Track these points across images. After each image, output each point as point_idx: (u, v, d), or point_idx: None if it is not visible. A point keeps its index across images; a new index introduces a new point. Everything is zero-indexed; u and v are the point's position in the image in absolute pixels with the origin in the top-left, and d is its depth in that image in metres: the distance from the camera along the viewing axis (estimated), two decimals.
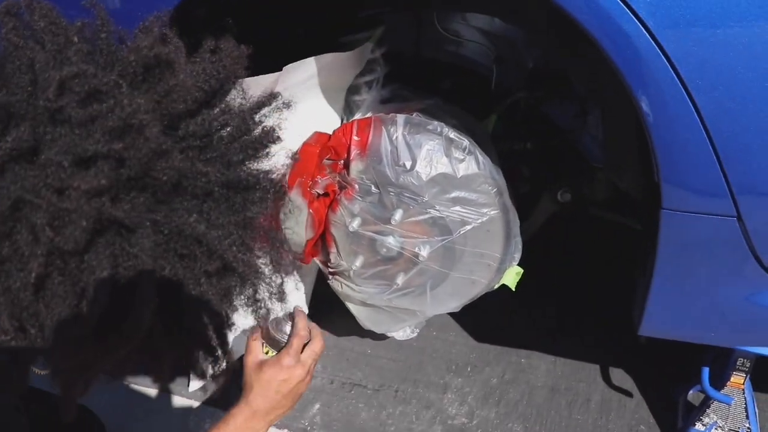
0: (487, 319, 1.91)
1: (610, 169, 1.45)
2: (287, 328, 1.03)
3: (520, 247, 1.45)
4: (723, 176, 1.06)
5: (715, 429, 1.50)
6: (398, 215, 1.37)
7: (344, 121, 1.53)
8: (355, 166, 1.39)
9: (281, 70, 1.23)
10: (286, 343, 1.01)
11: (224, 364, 0.82)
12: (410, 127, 1.35)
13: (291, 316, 1.05)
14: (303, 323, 1.04)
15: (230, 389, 1.40)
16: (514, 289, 1.49)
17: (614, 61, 1.04)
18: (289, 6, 1.35)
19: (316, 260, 1.55)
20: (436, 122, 1.35)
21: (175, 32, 0.72)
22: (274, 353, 1.01)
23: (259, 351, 1.02)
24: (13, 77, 0.60)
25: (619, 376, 1.75)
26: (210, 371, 0.81)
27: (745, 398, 1.50)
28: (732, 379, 1.47)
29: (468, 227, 1.37)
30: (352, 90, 1.57)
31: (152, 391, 1.76)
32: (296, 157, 1.40)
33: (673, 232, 1.15)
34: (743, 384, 1.47)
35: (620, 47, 1.03)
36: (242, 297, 0.73)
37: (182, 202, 0.64)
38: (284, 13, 1.37)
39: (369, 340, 1.89)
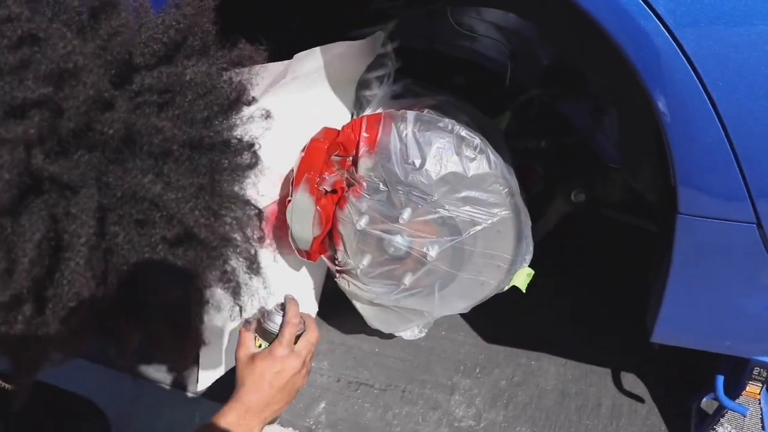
0: (497, 320, 1.88)
1: (626, 169, 1.41)
2: (278, 319, 0.98)
3: (531, 248, 1.42)
4: (743, 181, 1.02)
5: None
6: (407, 214, 1.34)
7: (354, 117, 1.51)
8: (364, 163, 1.36)
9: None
10: (278, 334, 0.97)
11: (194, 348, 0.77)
12: (420, 124, 1.32)
13: (282, 306, 1.01)
14: (294, 311, 0.99)
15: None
16: (524, 291, 1.46)
17: (631, 59, 1.00)
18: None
19: (324, 258, 1.53)
20: (447, 120, 1.32)
21: None
22: (267, 345, 0.97)
23: (250, 344, 0.97)
24: None
25: (630, 381, 1.71)
26: (181, 357, 0.76)
27: (761, 409, 1.46)
28: (747, 388, 1.43)
29: (478, 228, 1.34)
30: (363, 85, 1.55)
31: (158, 385, 1.75)
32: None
33: (690, 237, 1.11)
34: (759, 394, 1.43)
35: (638, 46, 0.99)
36: (213, 271, 0.67)
37: (136, 162, 0.58)
38: (276, 7, 1.34)
39: (377, 339, 1.87)
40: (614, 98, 1.40)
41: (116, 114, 0.56)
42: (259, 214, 0.77)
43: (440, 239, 1.36)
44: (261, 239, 0.79)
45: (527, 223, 1.38)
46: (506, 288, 1.47)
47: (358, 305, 1.59)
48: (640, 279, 1.45)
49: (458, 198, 1.32)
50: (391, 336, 1.79)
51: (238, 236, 0.70)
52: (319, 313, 1.91)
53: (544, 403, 1.67)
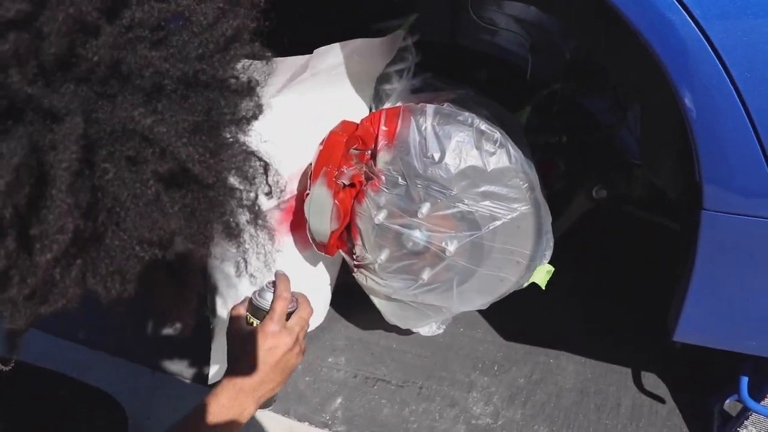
0: (516, 317, 1.86)
1: (648, 165, 1.39)
2: (269, 296, 0.95)
3: (551, 244, 1.40)
4: None
5: None
6: (425, 208, 1.33)
7: (373, 111, 1.50)
8: (382, 157, 1.35)
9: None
10: (269, 310, 0.94)
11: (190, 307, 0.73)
12: (440, 117, 1.31)
13: (274, 284, 0.98)
14: (285, 286, 0.96)
15: None
16: (544, 288, 1.44)
17: (656, 52, 0.98)
18: None
19: (342, 252, 1.52)
20: (467, 113, 1.31)
21: None
22: (259, 323, 0.94)
23: (241, 322, 0.94)
24: None
25: (651, 381, 1.68)
26: (180, 308, 0.71)
27: None
28: None
29: (497, 223, 1.33)
30: (383, 79, 1.54)
31: (176, 379, 1.75)
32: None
33: (714, 234, 1.09)
34: None
35: (663, 38, 0.97)
36: (212, 217, 0.64)
37: (126, 97, 0.55)
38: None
39: (394, 335, 1.86)
40: (637, 93, 1.38)
41: (102, 40, 0.53)
42: (266, 167, 0.73)
43: (459, 234, 1.34)
44: (269, 194, 0.76)
45: (547, 219, 1.36)
46: (525, 284, 1.45)
47: (375, 300, 1.59)
48: (662, 277, 1.43)
49: (478, 192, 1.31)
50: (409, 332, 1.78)
51: (240, 185, 0.67)
52: (337, 309, 1.92)
53: (562, 402, 1.65)
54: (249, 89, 0.66)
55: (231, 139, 0.64)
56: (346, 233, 1.48)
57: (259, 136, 0.72)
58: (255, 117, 0.67)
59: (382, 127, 1.35)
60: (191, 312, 0.71)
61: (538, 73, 1.53)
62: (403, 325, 1.58)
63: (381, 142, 1.35)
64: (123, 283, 0.60)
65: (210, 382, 1.70)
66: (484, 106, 1.42)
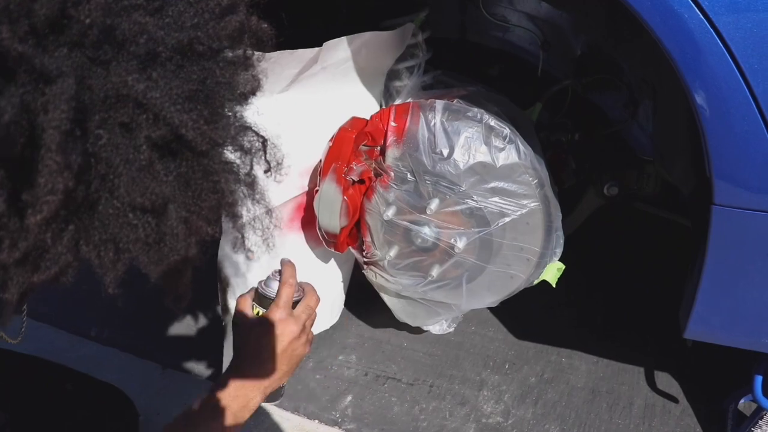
0: (527, 315, 1.86)
1: (661, 161, 1.38)
2: (275, 285, 0.94)
3: (561, 241, 1.39)
4: None
5: None
6: (434, 205, 1.33)
7: (383, 107, 1.50)
8: (391, 153, 1.35)
9: None
10: (275, 298, 0.92)
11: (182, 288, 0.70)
12: (449, 113, 1.31)
13: (279, 272, 0.97)
14: (290, 272, 0.95)
15: None
16: (554, 286, 1.43)
17: (665, 46, 0.98)
18: None
19: (352, 249, 1.52)
20: (476, 109, 1.31)
21: None
22: (265, 312, 0.93)
23: (248, 311, 0.93)
24: None
25: (664, 380, 1.67)
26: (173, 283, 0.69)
27: None
28: None
29: (507, 219, 1.32)
30: (393, 75, 1.54)
31: (187, 376, 1.76)
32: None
33: (725, 229, 1.08)
34: None
35: (672, 31, 0.96)
36: (207, 188, 0.62)
37: (120, 63, 0.55)
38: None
39: (406, 333, 1.86)
40: (649, 88, 1.37)
41: (94, 2, 0.53)
42: (264, 142, 0.73)
43: (468, 231, 1.34)
44: (267, 171, 0.75)
45: (557, 216, 1.36)
46: (536, 282, 1.44)
47: (385, 297, 1.59)
48: (675, 274, 1.42)
49: (487, 189, 1.31)
50: (420, 331, 1.78)
51: (237, 158, 0.67)
52: (348, 307, 1.92)
53: (574, 401, 1.64)
54: (246, 60, 0.65)
55: (227, 110, 0.63)
56: (356, 231, 1.48)
57: (256, 110, 0.72)
58: (253, 91, 0.66)
59: (392, 123, 1.35)
60: (186, 285, 0.70)
61: (549, 70, 1.53)
62: (412, 323, 1.58)
63: (390, 138, 1.35)
64: (117, 252, 0.59)
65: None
66: (495, 103, 1.41)
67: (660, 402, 1.62)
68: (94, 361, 1.81)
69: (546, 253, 1.38)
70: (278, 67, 1.26)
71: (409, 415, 1.63)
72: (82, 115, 0.53)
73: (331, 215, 1.40)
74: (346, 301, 1.90)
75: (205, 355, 1.77)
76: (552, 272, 1.43)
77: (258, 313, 0.94)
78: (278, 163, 0.76)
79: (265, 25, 0.68)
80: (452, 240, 1.35)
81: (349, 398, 1.69)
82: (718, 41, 0.95)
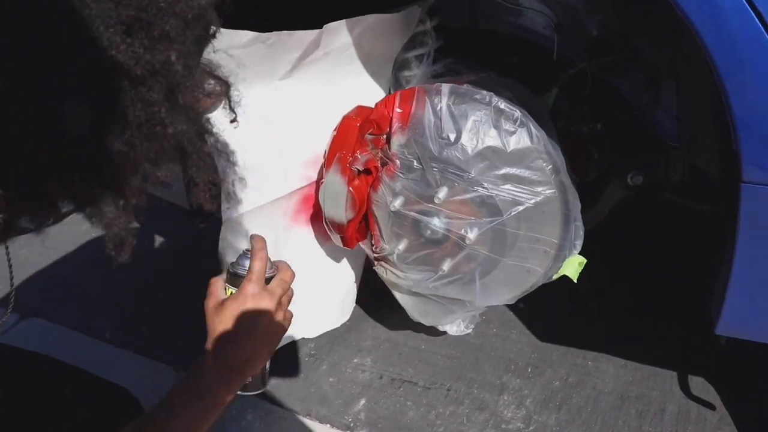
0: (551, 316, 1.76)
1: (686, 145, 1.29)
2: (247, 262, 0.87)
3: (581, 233, 1.31)
4: None
5: None
6: (442, 193, 1.26)
7: None
8: (396, 140, 1.29)
9: None
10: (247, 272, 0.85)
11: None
12: (456, 97, 1.24)
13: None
14: (261, 244, 0.88)
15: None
16: (575, 281, 1.35)
17: (689, 18, 0.90)
18: None
19: (362, 245, 1.46)
20: (484, 92, 1.24)
21: None
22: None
23: (219, 292, 0.87)
24: None
25: (699, 385, 1.55)
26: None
27: None
28: None
29: (520, 208, 1.25)
30: (402, 65, 1.48)
31: None
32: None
33: (756, 208, 0.99)
34: None
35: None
36: (146, 121, 0.58)
37: None
38: None
39: (423, 335, 1.78)
40: (672, 68, 1.28)
41: None
42: (228, 88, 0.68)
43: (479, 221, 1.27)
44: (233, 120, 0.72)
45: (576, 204, 1.27)
46: (555, 277, 1.36)
47: (397, 295, 1.52)
48: (708, 268, 1.31)
49: (498, 175, 1.23)
50: (438, 333, 1.70)
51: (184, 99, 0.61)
52: (365, 308, 1.85)
53: (600, 407, 1.54)
54: None
55: (172, 36, 0.58)
56: (365, 225, 1.42)
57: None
58: (203, 15, 0.61)
59: (397, 110, 1.29)
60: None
61: (565, 54, 1.45)
62: (426, 322, 1.51)
63: (395, 125, 1.29)
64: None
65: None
66: (508, 88, 1.35)
67: (695, 408, 1.50)
68: (108, 362, 1.78)
69: (564, 245, 1.30)
70: (277, 51, 1.21)
71: (424, 420, 1.55)
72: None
73: (337, 207, 1.34)
74: (362, 301, 1.84)
75: None
76: (573, 266, 1.34)
77: (230, 294, 0.87)
78: (239, 104, 0.72)
79: None
80: (463, 231, 1.28)
81: (363, 402, 1.61)
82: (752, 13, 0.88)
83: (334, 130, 1.33)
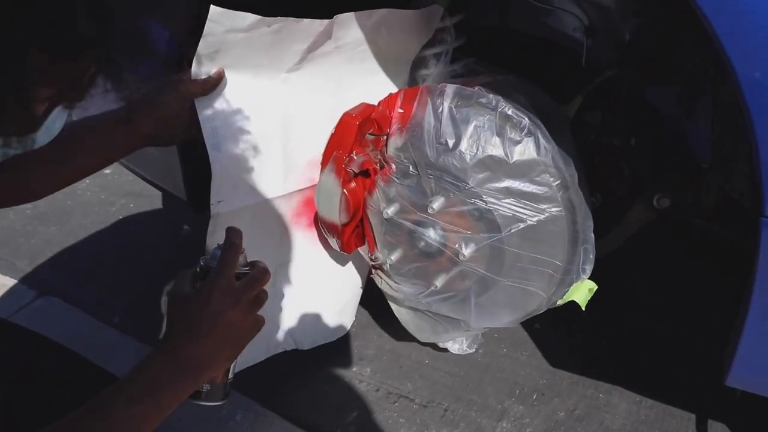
0: (567, 341, 1.64)
1: (718, 168, 1.15)
2: (219, 255, 0.80)
3: (591, 257, 1.19)
4: None
5: None
6: (437, 203, 1.16)
7: None
8: (394, 142, 1.20)
9: None
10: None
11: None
12: (459, 99, 1.14)
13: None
14: (236, 235, 0.80)
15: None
16: (584, 308, 1.23)
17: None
18: None
19: (360, 251, 1.38)
20: (491, 95, 1.13)
21: None
22: None
23: (186, 283, 0.79)
24: None
25: (718, 431, 1.41)
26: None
27: None
28: None
29: (522, 225, 1.14)
30: (419, 63, 1.39)
31: None
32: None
33: None
34: None
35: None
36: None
37: None
38: None
39: (429, 349, 1.68)
40: (708, 80, 1.15)
41: None
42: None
43: (476, 236, 1.17)
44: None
45: (586, 225, 1.16)
46: (560, 303, 1.25)
47: (393, 307, 1.43)
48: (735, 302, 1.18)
49: (498, 188, 1.13)
50: (444, 348, 1.61)
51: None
52: (372, 314, 1.78)
53: None
54: None
55: None
56: (362, 229, 1.34)
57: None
58: None
59: (398, 110, 1.21)
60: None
61: (594, 59, 1.32)
62: (420, 337, 1.42)
63: (394, 126, 1.20)
64: None
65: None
66: (525, 94, 1.24)
67: None
68: (111, 348, 1.76)
69: (571, 269, 1.18)
70: (284, 39, 1.13)
71: None
72: None
73: (330, 209, 1.26)
74: (369, 309, 1.76)
75: None
76: (582, 293, 1.23)
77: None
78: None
79: None
80: (457, 245, 1.18)
81: (355, 414, 1.54)
82: None
83: (334, 127, 1.25)
